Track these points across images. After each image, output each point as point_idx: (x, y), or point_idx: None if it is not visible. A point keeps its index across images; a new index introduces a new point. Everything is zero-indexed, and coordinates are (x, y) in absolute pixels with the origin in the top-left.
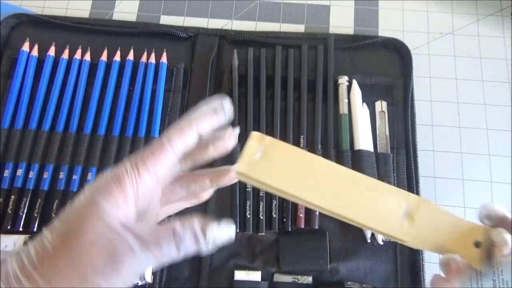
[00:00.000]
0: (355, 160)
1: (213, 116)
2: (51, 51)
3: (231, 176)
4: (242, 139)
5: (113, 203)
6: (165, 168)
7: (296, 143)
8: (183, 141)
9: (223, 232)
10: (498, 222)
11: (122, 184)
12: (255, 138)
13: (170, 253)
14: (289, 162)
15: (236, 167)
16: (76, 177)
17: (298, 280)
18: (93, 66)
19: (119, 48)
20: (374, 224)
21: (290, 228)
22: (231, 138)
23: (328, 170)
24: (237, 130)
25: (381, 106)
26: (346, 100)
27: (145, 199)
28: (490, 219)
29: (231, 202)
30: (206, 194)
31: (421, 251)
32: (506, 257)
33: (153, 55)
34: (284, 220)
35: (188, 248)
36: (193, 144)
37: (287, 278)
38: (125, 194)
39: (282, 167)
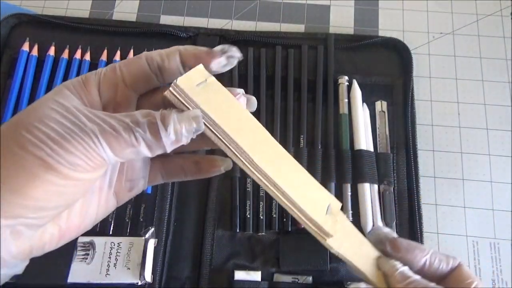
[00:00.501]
0: (355, 160)
1: (204, 52)
2: (51, 51)
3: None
4: None
5: (75, 92)
6: (136, 74)
7: (296, 143)
8: (161, 59)
9: (185, 121)
10: (389, 244)
11: (87, 79)
12: (200, 70)
13: (128, 140)
14: (227, 107)
15: (175, 80)
16: None
17: (298, 280)
18: (93, 66)
19: (119, 48)
20: (303, 205)
21: (290, 228)
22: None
23: (262, 135)
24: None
25: (381, 106)
26: (346, 100)
27: (109, 92)
28: (382, 243)
29: (231, 202)
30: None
31: None
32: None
33: None
34: (284, 220)
35: (148, 138)
36: (174, 69)
37: (287, 278)
38: (88, 86)
39: (219, 107)
